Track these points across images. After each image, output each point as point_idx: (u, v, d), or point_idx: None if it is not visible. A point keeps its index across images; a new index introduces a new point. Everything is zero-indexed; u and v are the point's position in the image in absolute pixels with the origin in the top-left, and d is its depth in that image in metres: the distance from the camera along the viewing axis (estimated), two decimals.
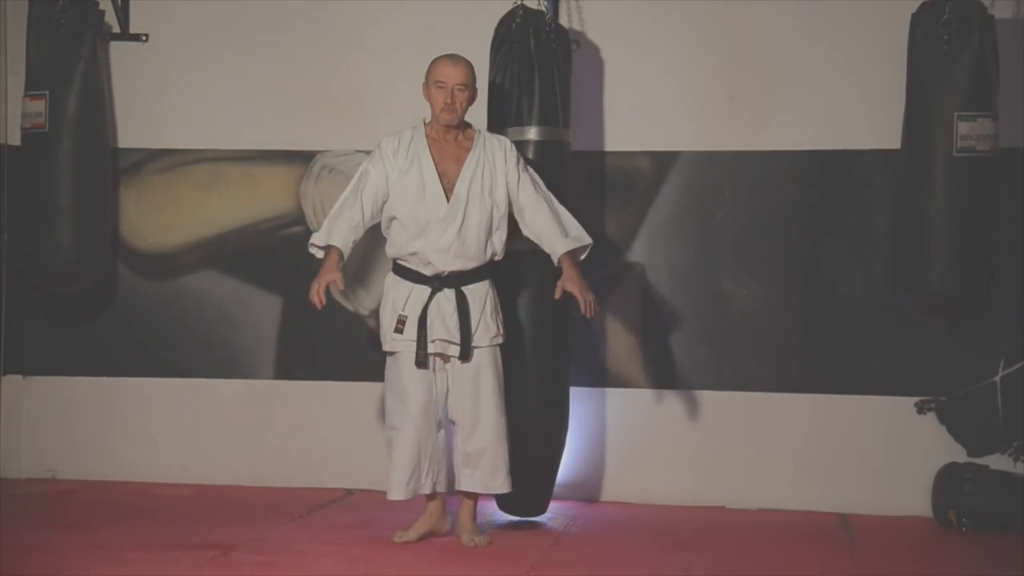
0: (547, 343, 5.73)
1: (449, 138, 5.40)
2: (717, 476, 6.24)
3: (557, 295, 5.33)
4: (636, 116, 6.28)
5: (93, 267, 6.36)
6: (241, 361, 6.52)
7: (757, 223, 6.22)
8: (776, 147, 6.20)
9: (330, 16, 6.46)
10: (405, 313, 5.32)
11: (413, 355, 5.30)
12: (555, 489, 6.01)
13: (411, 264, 5.36)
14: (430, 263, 5.32)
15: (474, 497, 5.44)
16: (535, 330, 5.69)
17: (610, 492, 6.29)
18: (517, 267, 5.62)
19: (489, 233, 5.35)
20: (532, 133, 5.74)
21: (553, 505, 5.98)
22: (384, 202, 5.35)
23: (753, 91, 6.21)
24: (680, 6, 6.25)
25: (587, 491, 6.28)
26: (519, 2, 5.82)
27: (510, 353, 5.49)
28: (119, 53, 6.53)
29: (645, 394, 6.28)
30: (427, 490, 5.37)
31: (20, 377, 6.59)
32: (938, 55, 5.62)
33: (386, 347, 5.39)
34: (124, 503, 6.07)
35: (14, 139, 6.44)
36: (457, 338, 5.30)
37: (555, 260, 5.36)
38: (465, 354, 5.32)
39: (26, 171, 6.30)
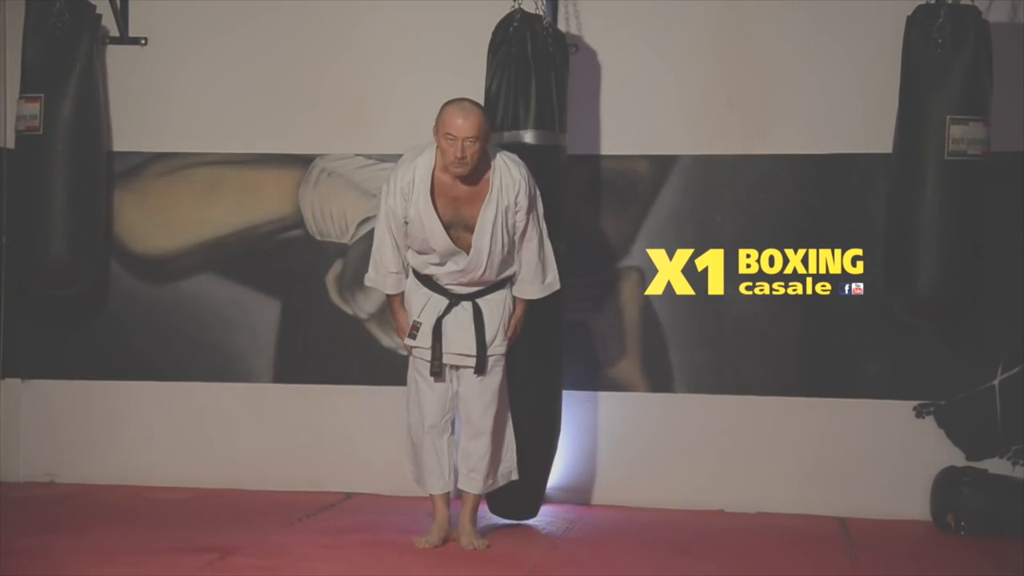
0: (540, 346, 5.73)
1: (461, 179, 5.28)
2: (716, 480, 6.23)
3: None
4: (634, 120, 6.27)
5: (86, 271, 6.34)
6: (239, 365, 6.51)
7: (755, 227, 6.22)
8: (774, 151, 6.19)
9: (329, 20, 6.45)
10: (420, 320, 5.34)
11: (427, 363, 5.34)
12: (556, 493, 6.01)
13: (429, 275, 5.37)
14: (446, 286, 5.33)
15: (473, 500, 5.45)
16: (528, 333, 5.67)
17: (609, 496, 6.27)
18: None
19: (506, 260, 5.33)
20: (528, 137, 5.74)
21: (553, 509, 5.98)
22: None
23: (751, 95, 6.21)
24: (678, 10, 6.24)
25: (587, 495, 6.27)
26: (517, 6, 5.83)
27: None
28: (118, 57, 6.53)
29: (644, 398, 6.28)
30: (451, 488, 5.42)
31: (18, 381, 6.59)
32: (932, 58, 5.61)
33: (407, 342, 5.40)
34: (122, 507, 6.06)
35: (9, 142, 6.43)
36: (473, 351, 5.31)
37: (514, 295, 5.40)
38: (481, 368, 5.33)
39: (20, 173, 6.29)
